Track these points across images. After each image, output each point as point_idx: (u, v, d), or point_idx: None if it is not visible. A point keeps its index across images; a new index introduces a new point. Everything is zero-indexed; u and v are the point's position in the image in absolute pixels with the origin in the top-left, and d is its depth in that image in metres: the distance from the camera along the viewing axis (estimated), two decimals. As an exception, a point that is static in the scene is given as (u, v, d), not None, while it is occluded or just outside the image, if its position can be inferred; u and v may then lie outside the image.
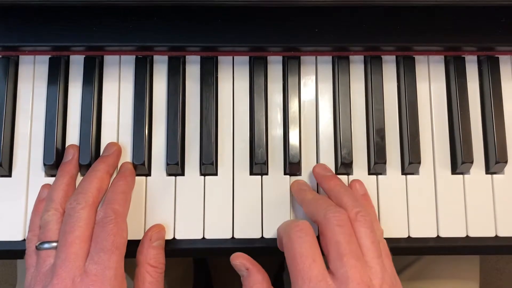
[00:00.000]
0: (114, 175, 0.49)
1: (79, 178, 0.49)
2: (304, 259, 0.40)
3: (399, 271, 0.65)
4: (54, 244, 0.43)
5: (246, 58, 0.52)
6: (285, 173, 0.51)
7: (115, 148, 0.50)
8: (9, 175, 0.50)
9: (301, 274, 0.40)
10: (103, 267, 0.41)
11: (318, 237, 0.42)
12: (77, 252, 0.42)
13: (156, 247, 0.47)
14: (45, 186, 0.49)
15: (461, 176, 0.51)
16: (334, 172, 0.50)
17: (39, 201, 0.48)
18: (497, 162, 0.50)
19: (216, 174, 0.50)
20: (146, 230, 0.48)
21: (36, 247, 0.44)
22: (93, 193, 0.45)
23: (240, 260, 0.45)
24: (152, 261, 0.46)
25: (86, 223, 0.43)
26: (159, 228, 0.48)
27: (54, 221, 0.45)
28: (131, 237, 0.48)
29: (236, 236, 0.49)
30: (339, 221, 0.41)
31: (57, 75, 0.51)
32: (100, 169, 0.47)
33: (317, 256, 0.40)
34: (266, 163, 0.50)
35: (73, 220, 0.43)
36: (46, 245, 0.43)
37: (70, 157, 0.49)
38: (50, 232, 0.44)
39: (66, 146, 0.50)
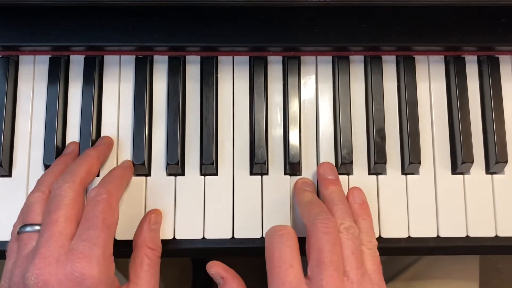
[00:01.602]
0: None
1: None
2: (281, 263, 0.40)
3: (400, 271, 0.65)
4: (37, 227, 0.41)
5: (246, 58, 0.52)
6: (285, 173, 0.51)
7: (106, 139, 0.50)
8: (9, 175, 0.50)
9: (276, 278, 0.40)
10: (91, 244, 0.39)
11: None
12: (62, 231, 0.40)
13: (154, 230, 0.46)
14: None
15: (461, 176, 0.51)
16: (337, 172, 0.50)
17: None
18: (497, 162, 0.50)
19: (216, 174, 0.50)
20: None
21: (18, 231, 0.42)
22: (82, 173, 0.44)
23: (215, 269, 0.45)
24: (150, 244, 0.45)
25: (72, 202, 0.41)
26: (157, 212, 0.48)
27: (39, 202, 0.43)
28: (130, 237, 0.48)
29: (236, 236, 0.49)
30: (326, 229, 0.41)
31: (57, 75, 0.51)
32: (91, 154, 0.47)
33: (295, 262, 0.41)
34: (266, 163, 0.50)
35: (59, 198, 0.41)
36: (28, 228, 0.41)
37: (70, 150, 0.49)
38: (33, 214, 0.42)
39: (68, 143, 0.50)
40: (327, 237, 0.41)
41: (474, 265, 0.66)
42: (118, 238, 0.47)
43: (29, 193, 0.49)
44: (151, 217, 0.47)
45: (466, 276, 0.65)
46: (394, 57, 0.53)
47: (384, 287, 0.43)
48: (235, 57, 0.52)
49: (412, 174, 0.51)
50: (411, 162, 0.50)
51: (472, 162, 0.50)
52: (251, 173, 0.50)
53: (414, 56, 0.52)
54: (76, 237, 0.40)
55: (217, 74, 0.52)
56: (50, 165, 0.49)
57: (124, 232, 0.48)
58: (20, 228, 0.42)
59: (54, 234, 0.40)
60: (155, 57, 0.52)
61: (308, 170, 0.51)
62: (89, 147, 0.49)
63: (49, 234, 0.40)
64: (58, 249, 0.39)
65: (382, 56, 0.52)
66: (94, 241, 0.39)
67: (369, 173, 0.51)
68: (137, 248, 0.45)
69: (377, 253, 0.45)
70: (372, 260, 0.44)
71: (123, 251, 0.45)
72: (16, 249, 0.42)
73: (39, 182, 0.45)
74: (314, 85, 0.52)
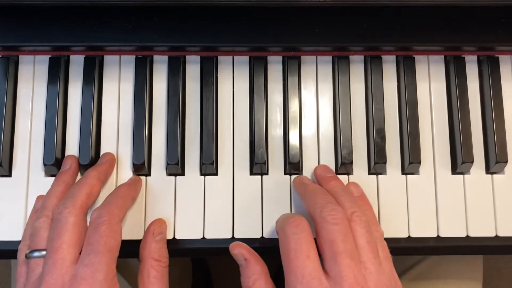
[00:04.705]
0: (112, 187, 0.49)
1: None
2: (298, 254, 0.39)
3: (404, 271, 0.65)
4: (44, 252, 0.42)
5: (246, 58, 0.52)
6: (285, 173, 0.51)
7: (108, 157, 0.49)
8: (9, 175, 0.50)
9: (294, 270, 0.39)
10: (93, 269, 0.40)
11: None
12: (64, 258, 0.41)
13: (159, 241, 0.46)
14: (40, 197, 0.49)
15: (461, 176, 0.51)
16: (334, 172, 0.50)
17: (34, 211, 0.48)
18: (497, 162, 0.50)
19: (216, 174, 0.50)
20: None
21: (26, 255, 0.43)
22: (82, 197, 0.44)
23: (238, 250, 0.44)
24: (156, 255, 0.45)
25: (74, 227, 0.42)
26: (161, 222, 0.48)
27: (44, 228, 0.43)
28: (131, 237, 0.48)
29: (236, 236, 0.49)
30: (334, 220, 0.40)
31: (57, 75, 0.51)
32: (91, 176, 0.46)
33: (312, 253, 0.39)
34: (266, 163, 0.50)
35: (60, 224, 0.42)
36: (35, 254, 0.42)
37: (68, 166, 0.49)
38: (39, 240, 0.43)
39: (65, 156, 0.50)
40: (338, 227, 0.40)
41: (478, 265, 0.66)
42: (118, 238, 0.48)
43: (29, 194, 0.49)
44: (154, 229, 0.47)
45: (470, 276, 0.64)
46: (394, 57, 0.53)
47: (395, 275, 0.42)
48: (235, 57, 0.52)
49: (412, 174, 0.51)
50: (411, 162, 0.50)
51: (472, 162, 0.50)
52: (251, 173, 0.50)
53: (414, 56, 0.52)
54: (79, 262, 0.41)
55: (217, 74, 0.52)
56: (50, 165, 0.49)
57: (124, 232, 0.47)
58: (28, 253, 0.43)
59: (57, 262, 0.40)
60: (155, 57, 0.52)
61: (308, 170, 0.51)
62: (89, 147, 0.49)
63: (53, 262, 0.40)
64: (62, 276, 0.40)
65: (382, 56, 0.52)
66: (96, 266, 0.40)
67: (369, 173, 0.51)
68: (143, 261, 0.45)
69: (385, 242, 0.44)
70: (382, 249, 0.43)
71: (123, 251, 0.45)
72: (25, 273, 0.43)
73: (42, 206, 0.46)
74: (314, 85, 0.52)
